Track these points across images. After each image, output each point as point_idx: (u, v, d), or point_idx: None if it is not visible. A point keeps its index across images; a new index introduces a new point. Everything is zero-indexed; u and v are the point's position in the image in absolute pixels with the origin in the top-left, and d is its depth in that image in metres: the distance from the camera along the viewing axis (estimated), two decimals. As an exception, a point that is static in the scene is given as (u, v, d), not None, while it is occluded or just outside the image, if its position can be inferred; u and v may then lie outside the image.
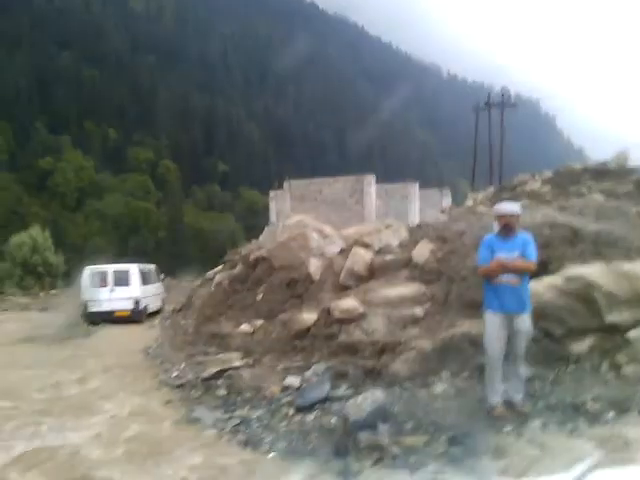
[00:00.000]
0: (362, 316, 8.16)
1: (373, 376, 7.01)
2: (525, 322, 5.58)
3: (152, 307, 18.57)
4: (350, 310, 8.27)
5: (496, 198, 13.00)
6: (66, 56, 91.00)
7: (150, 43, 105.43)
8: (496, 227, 5.94)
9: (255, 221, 50.50)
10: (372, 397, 5.65)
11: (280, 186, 21.04)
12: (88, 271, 17.77)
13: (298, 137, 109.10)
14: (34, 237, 33.45)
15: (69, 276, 35.49)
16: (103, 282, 17.37)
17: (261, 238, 18.82)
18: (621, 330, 6.46)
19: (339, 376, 7.17)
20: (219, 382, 7.92)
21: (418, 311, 7.92)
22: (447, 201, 23.98)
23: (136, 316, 17.09)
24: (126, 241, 63.70)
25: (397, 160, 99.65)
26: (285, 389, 7.23)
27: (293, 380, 7.32)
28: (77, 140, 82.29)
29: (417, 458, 4.98)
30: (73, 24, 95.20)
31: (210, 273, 17.76)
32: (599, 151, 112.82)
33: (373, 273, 9.72)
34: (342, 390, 6.83)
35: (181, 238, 66.64)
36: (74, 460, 5.62)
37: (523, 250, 5.57)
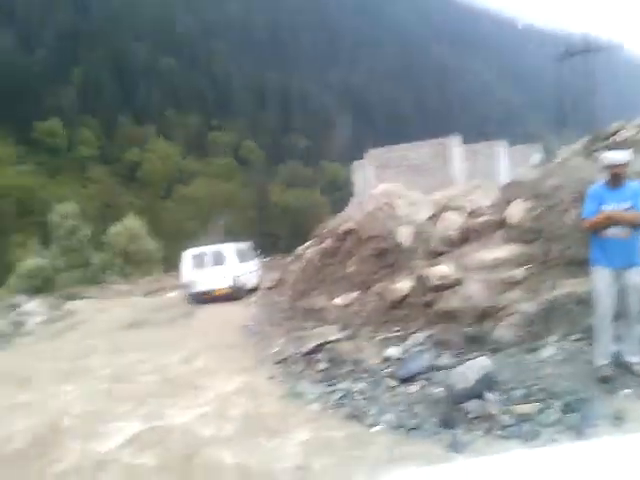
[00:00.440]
0: (458, 282, 7.95)
1: (475, 343, 6.80)
2: (636, 277, 5.22)
3: (250, 284, 18.91)
4: (446, 276, 8.07)
5: (590, 148, 12.29)
6: (141, 47, 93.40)
7: (220, 27, 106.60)
8: (602, 177, 5.55)
9: (340, 194, 50.56)
10: (478, 365, 5.48)
11: (362, 157, 20.78)
12: (187, 254, 18.35)
13: (375, 105, 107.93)
14: (130, 226, 34.80)
15: (167, 261, 36.93)
16: (202, 263, 17.90)
17: (348, 210, 18.69)
18: None
19: (440, 344, 7.02)
20: (319, 356, 7.92)
21: (517, 273, 7.62)
22: (538, 156, 22.98)
23: (235, 293, 17.50)
24: (217, 223, 65.25)
25: (480, 120, 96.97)
26: (386, 360, 7.14)
27: (393, 351, 7.23)
28: (160, 129, 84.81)
29: (530, 427, 4.80)
30: (145, 15, 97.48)
31: (300, 249, 17.83)
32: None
33: (466, 237, 9.45)
34: (444, 359, 6.67)
35: (269, 217, 67.65)
36: (186, 439, 5.76)
37: (634, 201, 5.18)
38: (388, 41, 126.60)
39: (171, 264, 36.56)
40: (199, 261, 18.00)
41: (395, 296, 8.59)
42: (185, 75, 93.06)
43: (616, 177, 5.26)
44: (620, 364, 5.36)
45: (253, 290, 18.71)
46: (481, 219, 9.53)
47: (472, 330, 7.00)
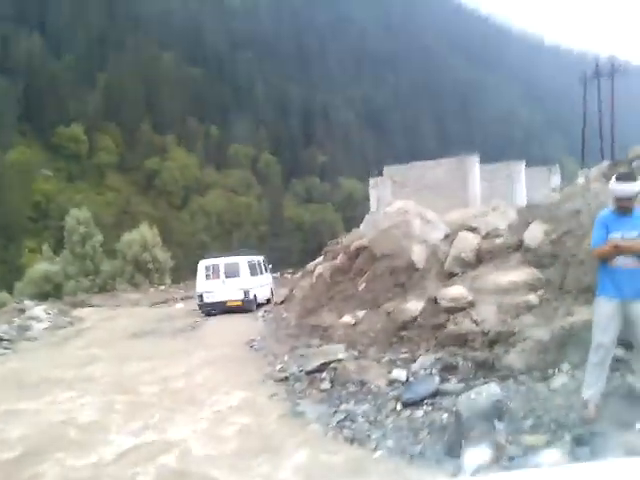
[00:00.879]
0: (471, 304, 7.71)
1: (485, 369, 6.54)
2: None
3: (261, 297, 19.21)
4: (458, 298, 7.82)
5: (611, 173, 12.01)
6: (168, 57, 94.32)
7: (247, 38, 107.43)
8: (611, 204, 5.31)
9: (355, 211, 50.49)
10: (487, 392, 5.24)
11: (380, 173, 20.59)
12: (202, 264, 18.58)
13: (396, 124, 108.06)
14: (143, 235, 34.82)
15: (176, 272, 36.92)
16: (216, 274, 18.12)
17: (362, 227, 18.50)
18: None
19: (448, 369, 6.76)
20: (323, 375, 7.71)
21: (532, 298, 7.37)
22: (556, 180, 22.60)
23: (246, 305, 17.79)
24: (230, 236, 65.49)
25: (499, 140, 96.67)
26: (391, 382, 6.91)
27: (400, 373, 6.98)
28: (181, 138, 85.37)
29: (537, 459, 4.54)
30: (174, 24, 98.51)
31: (311, 265, 17.72)
32: None
33: (481, 259, 9.22)
34: (452, 384, 6.41)
35: (282, 231, 67.80)
36: (181, 456, 5.59)
37: None
38: (412, 59, 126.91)
39: (180, 275, 36.61)
40: (213, 272, 18.23)
41: (405, 316, 8.36)
42: (209, 85, 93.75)
43: (624, 209, 5.03)
44: (634, 397, 5.10)
45: (264, 303, 18.77)
46: (497, 241, 9.30)
47: (481, 355, 6.75)
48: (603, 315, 5.06)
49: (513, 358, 6.45)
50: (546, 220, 9.02)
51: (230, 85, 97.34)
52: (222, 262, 18.44)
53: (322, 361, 7.96)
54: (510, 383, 6.07)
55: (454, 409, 5.45)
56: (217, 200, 75.54)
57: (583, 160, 31.38)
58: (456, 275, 9.29)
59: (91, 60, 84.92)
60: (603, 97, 30.83)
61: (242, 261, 18.53)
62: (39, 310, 18.36)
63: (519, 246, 8.76)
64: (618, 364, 5.51)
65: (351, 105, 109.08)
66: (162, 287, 31.72)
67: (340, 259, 13.31)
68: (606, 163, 15.49)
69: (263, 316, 16.18)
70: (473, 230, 10.35)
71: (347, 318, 9.93)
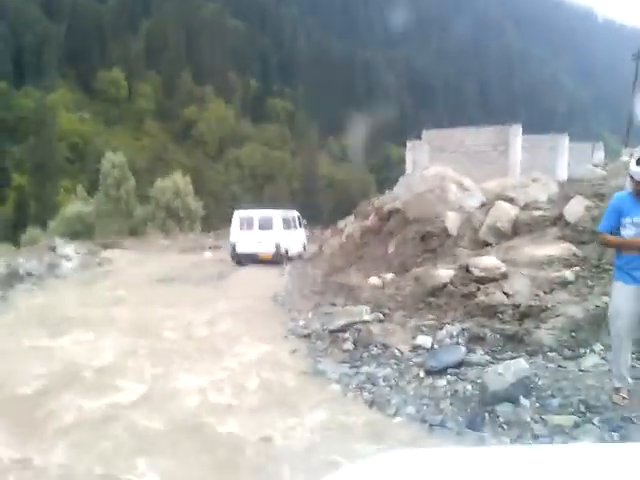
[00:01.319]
0: (503, 276, 7.50)
1: (513, 342, 6.35)
2: None
3: (293, 251, 19.29)
4: (491, 268, 7.61)
5: (659, 152, 11.56)
6: (212, 7, 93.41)
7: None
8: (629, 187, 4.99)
9: (389, 173, 49.95)
10: (515, 367, 5.07)
11: (418, 137, 20.17)
12: (237, 215, 18.77)
13: (438, 87, 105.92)
14: (176, 183, 34.93)
15: (207, 220, 37.09)
16: (250, 226, 18.30)
17: (395, 189, 18.20)
18: None
19: (475, 339, 6.59)
20: (346, 335, 7.58)
21: (568, 274, 7.14)
22: (599, 156, 21.95)
23: (277, 258, 17.88)
24: (261, 189, 65.46)
25: (543, 112, 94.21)
26: (415, 348, 6.75)
27: (425, 339, 6.83)
28: (220, 90, 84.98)
29: (563, 441, 4.36)
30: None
31: (341, 223, 17.58)
32: None
33: (517, 230, 8.98)
34: (478, 355, 6.23)
35: (314, 188, 67.45)
36: (198, 405, 5.55)
37: None
38: (459, 22, 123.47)
39: (211, 224, 36.75)
40: (248, 223, 18.40)
41: (435, 283, 8.17)
42: (251, 38, 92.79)
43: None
44: None
45: (296, 258, 18.85)
46: (535, 213, 9.02)
47: (511, 328, 6.56)
48: (619, 301, 4.84)
49: (543, 334, 6.26)
50: (588, 196, 8.72)
51: (272, 39, 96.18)
52: (257, 214, 18.60)
53: (346, 321, 7.83)
54: (539, 359, 5.90)
55: (479, 381, 5.31)
56: (252, 153, 75.37)
57: (628, 139, 30.34)
58: (490, 245, 9.08)
59: (135, 4, 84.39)
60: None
61: (276, 215, 18.65)
62: (69, 249, 18.51)
63: (558, 220, 8.49)
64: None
65: (392, 66, 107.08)
66: (192, 235, 31.86)
67: (371, 220, 13.13)
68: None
69: (291, 271, 16.12)
70: (511, 200, 10.08)
71: (374, 280, 9.80)
